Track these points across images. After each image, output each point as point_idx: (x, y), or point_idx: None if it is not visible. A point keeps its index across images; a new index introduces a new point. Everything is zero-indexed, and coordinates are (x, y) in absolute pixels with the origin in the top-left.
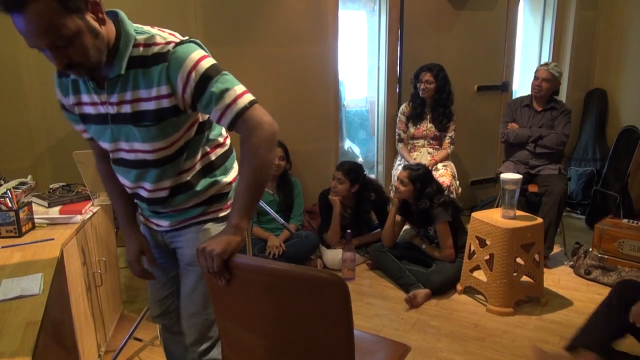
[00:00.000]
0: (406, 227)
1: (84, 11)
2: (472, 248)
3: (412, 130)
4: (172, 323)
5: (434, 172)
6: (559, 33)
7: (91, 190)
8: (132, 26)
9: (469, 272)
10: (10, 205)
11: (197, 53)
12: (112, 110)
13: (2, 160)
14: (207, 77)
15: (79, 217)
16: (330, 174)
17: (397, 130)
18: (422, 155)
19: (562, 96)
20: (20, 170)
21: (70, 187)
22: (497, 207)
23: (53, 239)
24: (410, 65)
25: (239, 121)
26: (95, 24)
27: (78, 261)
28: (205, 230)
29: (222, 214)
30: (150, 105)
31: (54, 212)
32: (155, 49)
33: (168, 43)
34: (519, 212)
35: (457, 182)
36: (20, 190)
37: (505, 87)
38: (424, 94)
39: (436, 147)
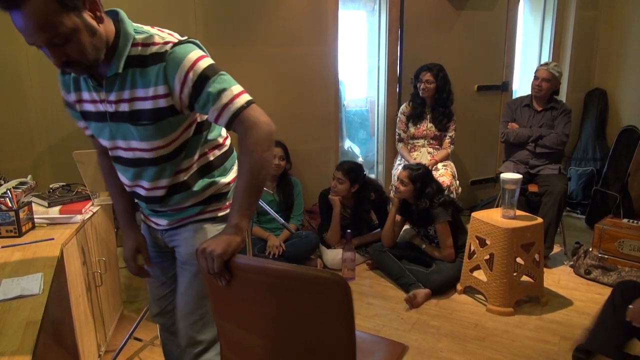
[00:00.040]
0: (406, 227)
1: (81, 9)
2: (472, 248)
3: (412, 130)
4: (170, 323)
5: (434, 172)
6: (559, 33)
7: (91, 190)
8: (131, 26)
9: (469, 271)
10: (10, 205)
11: (195, 53)
12: (110, 108)
13: (2, 160)
14: (205, 77)
15: (79, 217)
16: (330, 174)
17: (397, 130)
18: (422, 155)
19: (562, 96)
20: (20, 170)
21: (70, 187)
22: (497, 207)
23: (53, 239)
24: (410, 65)
25: (235, 121)
26: (93, 22)
27: (78, 261)
28: (202, 229)
29: (220, 214)
30: (147, 105)
31: (54, 212)
32: (154, 48)
33: (166, 43)
34: (519, 212)
35: (457, 181)
36: (20, 190)
37: (505, 86)
38: (424, 93)
39: (436, 146)
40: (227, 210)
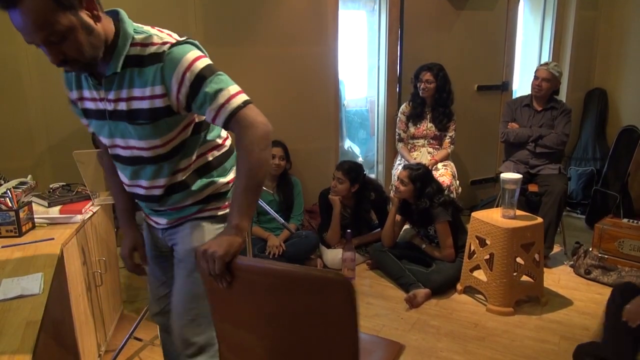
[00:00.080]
0: (406, 226)
1: (77, 8)
2: (472, 248)
3: (412, 129)
4: (169, 323)
5: (434, 172)
6: (559, 33)
7: (91, 190)
8: (131, 26)
9: (469, 271)
10: (10, 205)
11: (193, 54)
12: (109, 107)
13: (2, 160)
14: (202, 77)
15: (79, 217)
16: (330, 174)
17: (397, 129)
18: (422, 154)
19: (562, 96)
20: (20, 170)
21: (70, 186)
22: (497, 206)
23: (53, 239)
24: (410, 64)
25: (232, 120)
26: (90, 21)
27: (78, 261)
28: (200, 227)
29: (220, 213)
30: (143, 104)
31: (54, 211)
32: (152, 49)
33: (164, 43)
34: (519, 212)
35: (457, 181)
36: (20, 190)
37: (505, 86)
38: (424, 93)
39: (436, 146)
40: (227, 210)
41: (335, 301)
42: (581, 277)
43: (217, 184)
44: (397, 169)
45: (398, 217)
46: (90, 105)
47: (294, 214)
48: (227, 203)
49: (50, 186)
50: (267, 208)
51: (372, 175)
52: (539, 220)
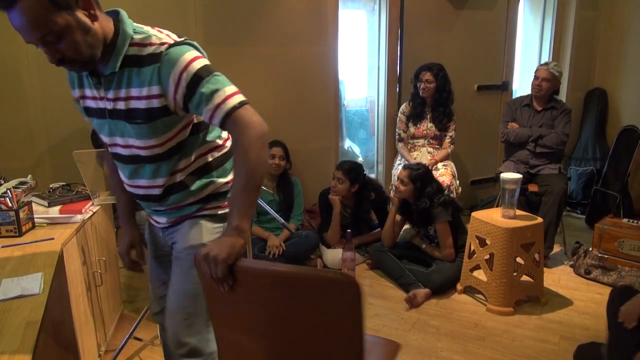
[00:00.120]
0: (406, 226)
1: (74, 7)
2: (472, 247)
3: (412, 129)
4: None
5: (434, 172)
6: (559, 33)
7: (91, 190)
8: (131, 26)
9: (469, 271)
10: (10, 204)
11: (190, 54)
12: (109, 105)
13: (2, 160)
14: (198, 77)
15: (79, 217)
16: (330, 174)
17: (397, 129)
18: (422, 154)
19: (562, 96)
20: (20, 170)
21: (70, 186)
22: (497, 206)
23: (53, 239)
24: (410, 64)
25: (228, 120)
26: (87, 20)
27: (78, 261)
28: (198, 225)
29: (220, 212)
30: (141, 104)
31: (54, 211)
32: (150, 49)
33: (162, 44)
34: (519, 212)
35: (457, 181)
36: (20, 190)
37: (505, 86)
38: (424, 93)
39: (436, 146)
40: (227, 209)
41: (342, 302)
42: (581, 277)
43: (216, 184)
44: (397, 168)
45: (398, 217)
46: (91, 103)
47: (294, 213)
48: (227, 202)
49: (50, 186)
50: (267, 208)
51: (372, 175)
52: (539, 220)
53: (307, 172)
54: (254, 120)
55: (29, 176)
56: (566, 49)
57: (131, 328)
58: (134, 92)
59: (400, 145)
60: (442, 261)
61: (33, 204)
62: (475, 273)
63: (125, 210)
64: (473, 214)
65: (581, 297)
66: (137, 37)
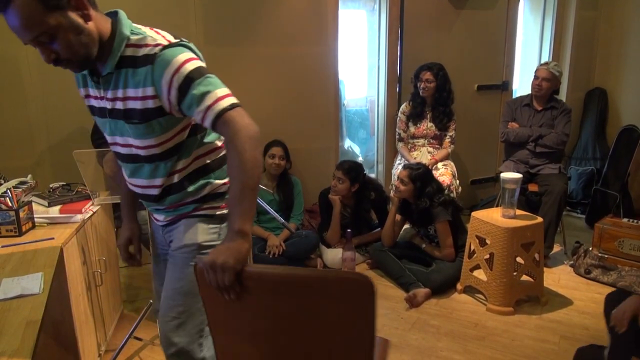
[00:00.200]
0: (406, 226)
1: (65, 8)
2: (472, 247)
3: (412, 129)
4: None
5: (434, 172)
6: (559, 32)
7: (91, 190)
8: (129, 27)
9: (469, 271)
10: (10, 204)
11: (183, 56)
12: (108, 105)
13: (2, 159)
14: (190, 79)
15: (79, 217)
16: (330, 173)
17: (397, 129)
18: (422, 154)
19: (562, 95)
20: (20, 169)
21: (70, 186)
22: (497, 206)
23: (53, 238)
24: (410, 64)
25: (219, 122)
26: (79, 21)
27: (78, 260)
28: (194, 226)
29: (218, 213)
30: (137, 105)
31: (54, 211)
32: (145, 50)
33: (157, 45)
34: (519, 212)
35: (457, 181)
36: (20, 190)
37: (506, 86)
38: (424, 93)
39: (436, 146)
40: (224, 210)
41: (356, 302)
42: (581, 276)
43: (214, 184)
44: (397, 168)
45: (398, 217)
46: (94, 102)
47: (294, 213)
48: (224, 203)
49: (50, 186)
50: (267, 208)
51: (372, 175)
52: (539, 219)
53: (307, 171)
54: (245, 122)
55: (29, 176)
56: (566, 49)
57: (131, 328)
58: (131, 92)
59: (400, 145)
60: (442, 261)
61: (33, 204)
62: (475, 273)
63: (125, 204)
64: (473, 213)
65: (581, 296)
66: (133, 38)
